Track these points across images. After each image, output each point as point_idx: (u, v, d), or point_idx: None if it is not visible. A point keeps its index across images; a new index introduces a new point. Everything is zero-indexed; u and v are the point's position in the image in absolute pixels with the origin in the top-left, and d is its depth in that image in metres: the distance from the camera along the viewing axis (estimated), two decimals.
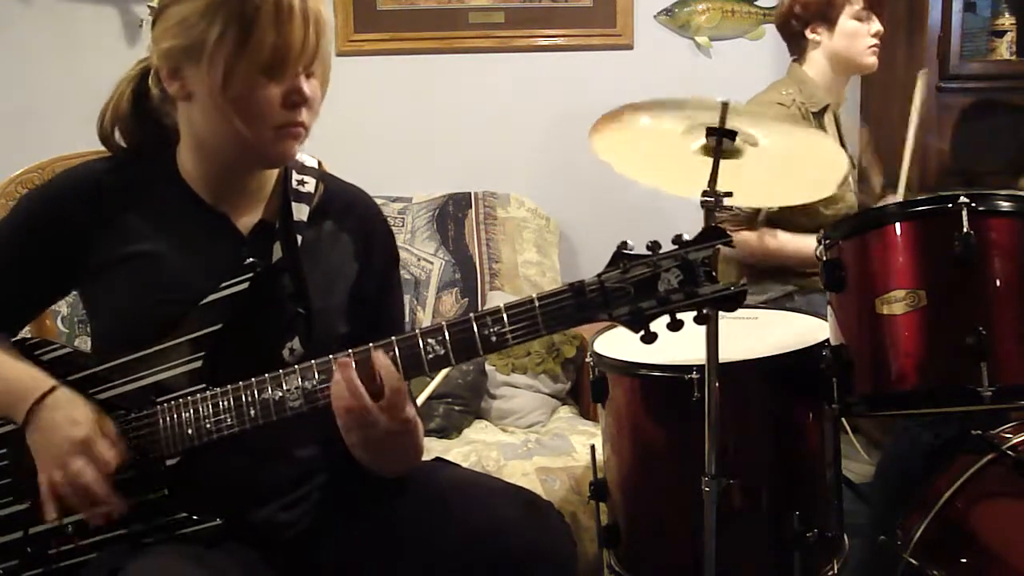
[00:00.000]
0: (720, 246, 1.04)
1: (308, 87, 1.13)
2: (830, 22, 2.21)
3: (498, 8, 2.76)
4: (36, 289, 1.24)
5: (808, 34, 2.24)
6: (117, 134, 1.24)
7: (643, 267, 1.03)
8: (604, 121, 1.43)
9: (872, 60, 2.22)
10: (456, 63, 2.78)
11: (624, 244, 1.05)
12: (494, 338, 1.06)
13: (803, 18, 2.25)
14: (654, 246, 1.04)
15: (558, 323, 1.05)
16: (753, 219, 2.19)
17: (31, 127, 2.56)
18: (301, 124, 1.14)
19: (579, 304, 1.04)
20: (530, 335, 1.06)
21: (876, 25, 2.21)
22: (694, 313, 1.06)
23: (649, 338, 1.05)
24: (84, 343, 2.23)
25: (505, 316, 1.06)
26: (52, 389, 1.14)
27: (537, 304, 1.05)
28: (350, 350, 1.09)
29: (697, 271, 1.02)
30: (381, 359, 1.07)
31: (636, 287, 1.03)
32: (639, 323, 1.04)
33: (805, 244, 2.14)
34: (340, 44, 2.68)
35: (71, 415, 1.13)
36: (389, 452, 1.15)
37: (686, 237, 1.04)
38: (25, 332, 1.37)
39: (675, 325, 1.05)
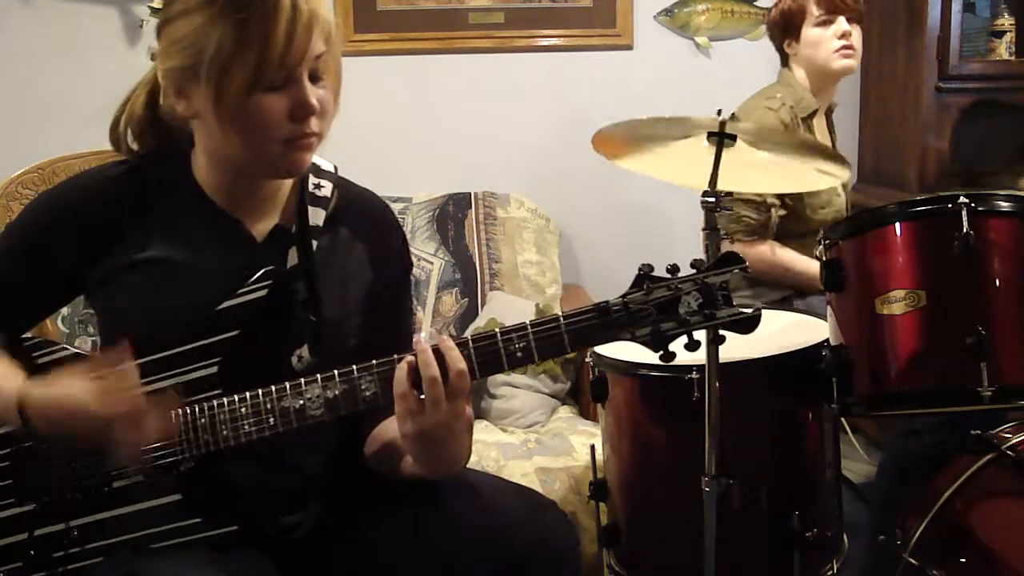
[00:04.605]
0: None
1: (315, 96, 1.10)
2: (795, 35, 2.25)
3: (498, 8, 2.76)
4: (45, 292, 1.23)
5: (785, 48, 2.30)
6: (130, 138, 1.22)
7: (664, 290, 1.08)
8: (603, 137, 1.44)
9: (842, 63, 2.20)
10: (456, 63, 2.78)
11: (648, 267, 1.09)
12: (520, 354, 1.08)
13: (775, 36, 2.32)
14: (673, 269, 1.09)
15: (583, 341, 1.09)
16: (766, 228, 2.19)
17: (31, 127, 2.56)
18: (312, 134, 1.12)
19: (604, 323, 1.08)
20: (555, 352, 1.09)
21: (840, 26, 2.18)
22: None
23: (668, 357, 1.09)
24: (84, 343, 2.22)
25: (531, 333, 1.08)
26: (22, 399, 1.11)
27: (563, 322, 1.08)
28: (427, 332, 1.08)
29: (716, 295, 1.07)
30: (446, 343, 1.07)
31: (658, 308, 1.07)
32: (660, 343, 1.08)
33: (811, 265, 2.14)
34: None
35: (61, 403, 1.09)
36: (441, 447, 1.10)
37: (693, 258, 1.09)
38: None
39: (692, 345, 1.09)
